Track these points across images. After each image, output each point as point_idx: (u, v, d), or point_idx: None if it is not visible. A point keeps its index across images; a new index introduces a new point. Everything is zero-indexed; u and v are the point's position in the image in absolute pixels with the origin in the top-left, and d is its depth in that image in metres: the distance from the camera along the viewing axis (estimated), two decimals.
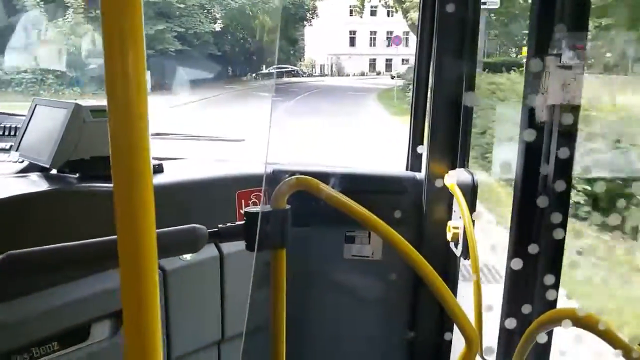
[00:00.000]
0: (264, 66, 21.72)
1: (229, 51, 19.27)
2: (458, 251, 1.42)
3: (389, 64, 25.36)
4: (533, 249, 1.11)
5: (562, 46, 1.05)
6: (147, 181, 0.49)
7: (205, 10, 16.96)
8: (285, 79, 19.70)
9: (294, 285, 0.98)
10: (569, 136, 1.07)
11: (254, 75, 21.15)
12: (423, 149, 1.60)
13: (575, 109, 1.06)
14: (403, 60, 21.53)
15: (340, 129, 8.95)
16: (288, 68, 20.32)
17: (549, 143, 1.08)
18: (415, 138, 1.73)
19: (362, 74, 26.49)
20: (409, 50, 19.26)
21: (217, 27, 18.14)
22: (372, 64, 27.52)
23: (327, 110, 12.31)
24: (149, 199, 0.49)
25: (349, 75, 26.38)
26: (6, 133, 1.72)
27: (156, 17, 13.46)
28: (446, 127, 1.51)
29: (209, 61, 15.62)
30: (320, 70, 27.07)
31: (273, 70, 20.82)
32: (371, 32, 27.25)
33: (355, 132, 8.96)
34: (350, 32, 27.50)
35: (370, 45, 27.50)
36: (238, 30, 19.77)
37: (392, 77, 23.06)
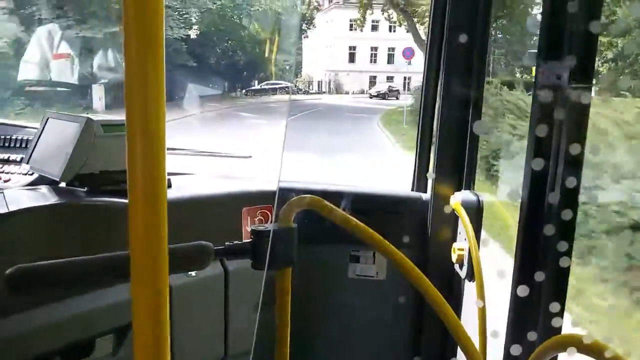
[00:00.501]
0: (256, 82, 21.58)
1: (214, 63, 18.60)
2: (463, 273, 1.49)
3: (390, 82, 25.51)
4: (539, 276, 1.18)
5: (570, 72, 1.12)
6: (162, 194, 0.51)
7: (176, 13, 15.58)
8: (277, 97, 19.59)
9: (298, 303, 1.05)
10: (575, 164, 1.14)
11: (244, 91, 20.93)
12: (431, 175, 1.69)
13: (582, 136, 1.13)
14: (405, 78, 21.69)
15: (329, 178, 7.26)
16: (282, 84, 20.30)
17: (555, 170, 1.15)
18: (422, 158, 1.82)
19: (362, 92, 26.66)
20: (411, 68, 19.31)
21: (193, 34, 17.00)
22: (373, 81, 27.72)
23: (315, 145, 10.26)
24: (164, 213, 0.52)
25: (347, 93, 26.54)
26: (17, 145, 1.81)
27: (107, 19, 12.02)
28: (453, 148, 1.60)
29: (182, 75, 14.25)
30: (318, 87, 27.26)
31: (266, 87, 20.75)
32: (372, 47, 27.53)
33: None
34: (350, 47, 27.77)
35: (371, 62, 27.75)
36: (223, 40, 18.90)
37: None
